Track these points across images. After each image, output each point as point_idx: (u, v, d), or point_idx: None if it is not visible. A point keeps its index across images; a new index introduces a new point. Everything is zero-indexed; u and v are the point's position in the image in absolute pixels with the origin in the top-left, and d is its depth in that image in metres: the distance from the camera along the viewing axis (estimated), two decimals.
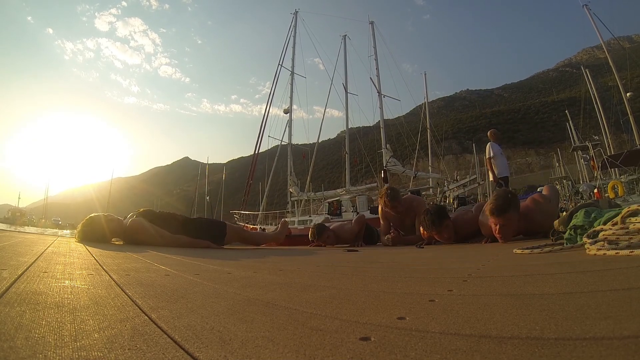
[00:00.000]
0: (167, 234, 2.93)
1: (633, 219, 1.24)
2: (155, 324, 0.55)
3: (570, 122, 26.55)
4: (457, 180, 18.56)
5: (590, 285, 0.73)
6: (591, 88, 23.34)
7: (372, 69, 22.12)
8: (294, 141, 24.08)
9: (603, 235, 1.28)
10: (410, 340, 0.45)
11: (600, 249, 1.18)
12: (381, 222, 3.64)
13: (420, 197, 3.80)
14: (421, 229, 2.99)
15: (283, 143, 22.97)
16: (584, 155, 22.16)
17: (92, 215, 2.94)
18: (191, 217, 3.44)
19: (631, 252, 1.05)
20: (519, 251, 1.52)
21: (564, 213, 1.86)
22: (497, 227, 2.36)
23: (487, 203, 2.53)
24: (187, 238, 3.00)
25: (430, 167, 24.59)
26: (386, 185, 3.73)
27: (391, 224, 3.58)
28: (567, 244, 1.56)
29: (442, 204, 15.31)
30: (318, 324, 0.55)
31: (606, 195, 13.54)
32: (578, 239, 1.54)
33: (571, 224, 1.63)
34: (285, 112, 23.27)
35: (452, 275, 1.04)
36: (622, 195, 13.33)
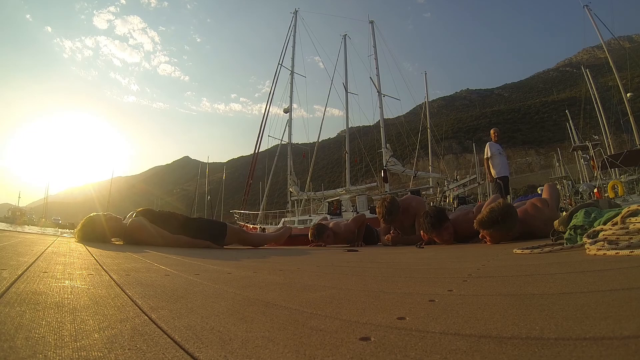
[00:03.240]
0: (168, 234, 2.93)
1: (633, 219, 1.24)
2: (155, 324, 0.55)
3: (571, 122, 26.56)
4: (457, 180, 18.56)
5: (590, 285, 0.73)
6: (591, 88, 23.34)
7: (372, 69, 22.12)
8: (294, 140, 24.09)
9: (603, 235, 1.28)
10: (410, 340, 0.45)
11: (600, 249, 1.18)
12: (381, 222, 3.65)
13: (419, 197, 3.80)
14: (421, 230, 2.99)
15: (283, 142, 22.97)
16: (584, 155, 22.17)
17: (91, 215, 2.94)
18: (191, 217, 3.43)
19: (631, 252, 1.05)
20: (519, 251, 1.52)
21: (564, 213, 1.86)
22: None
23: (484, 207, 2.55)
24: (187, 238, 2.99)
25: (430, 167, 24.60)
26: (387, 195, 3.72)
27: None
28: (567, 244, 1.56)
29: (442, 203, 15.32)
30: (318, 324, 0.55)
31: (606, 195, 13.54)
32: (578, 239, 1.54)
33: (571, 224, 1.63)
34: (285, 111, 23.26)
35: (452, 275, 1.04)
36: (622, 195, 13.34)
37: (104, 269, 1.20)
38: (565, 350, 0.38)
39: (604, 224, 1.38)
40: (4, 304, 0.63)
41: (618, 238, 1.22)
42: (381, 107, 20.93)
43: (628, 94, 18.08)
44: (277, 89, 23.58)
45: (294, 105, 23.67)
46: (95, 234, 2.77)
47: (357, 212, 12.56)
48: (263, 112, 22.97)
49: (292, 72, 23.61)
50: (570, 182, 19.45)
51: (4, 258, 1.32)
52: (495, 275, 1.01)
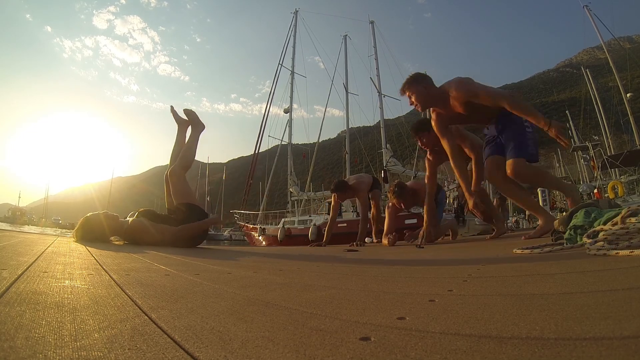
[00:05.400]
0: (172, 228, 2.92)
1: (633, 219, 1.23)
2: (155, 324, 0.55)
3: (571, 122, 26.58)
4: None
5: (590, 285, 0.73)
6: (591, 88, 23.35)
7: (373, 69, 22.17)
8: (294, 141, 24.12)
9: (603, 235, 1.28)
10: (410, 340, 0.45)
11: (600, 249, 1.18)
12: (386, 220, 3.68)
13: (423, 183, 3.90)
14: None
15: (283, 143, 22.99)
16: (584, 156, 22.19)
17: (88, 215, 2.92)
18: (189, 217, 3.39)
19: (631, 252, 1.05)
20: (519, 251, 1.52)
21: (564, 213, 1.86)
22: None
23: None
24: (192, 224, 3.00)
25: None
26: (396, 182, 3.91)
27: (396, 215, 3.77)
28: (567, 244, 1.56)
29: None
30: (318, 324, 0.55)
31: (606, 195, 13.55)
32: (578, 239, 1.54)
33: (571, 224, 1.63)
34: (286, 111, 23.29)
35: (452, 275, 1.04)
36: (622, 196, 13.35)
37: (104, 269, 1.20)
38: (565, 350, 0.37)
39: (604, 224, 1.37)
40: (4, 304, 0.63)
41: (618, 238, 1.22)
42: (381, 108, 20.96)
43: (628, 95, 18.09)
44: (277, 89, 23.66)
45: (294, 106, 23.71)
46: (93, 233, 2.77)
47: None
48: (263, 112, 23.00)
49: (293, 72, 23.65)
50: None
51: (4, 258, 1.32)
52: (495, 275, 1.01)
